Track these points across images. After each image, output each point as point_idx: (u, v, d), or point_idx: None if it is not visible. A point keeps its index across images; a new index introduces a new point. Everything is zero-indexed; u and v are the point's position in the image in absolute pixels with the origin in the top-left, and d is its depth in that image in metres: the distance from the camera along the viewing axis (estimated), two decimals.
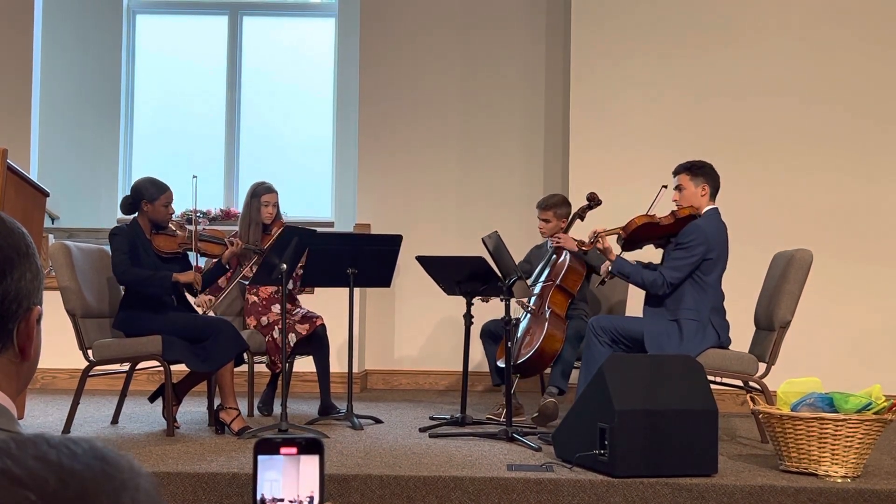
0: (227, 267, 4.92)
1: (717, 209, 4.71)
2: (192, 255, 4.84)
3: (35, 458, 0.66)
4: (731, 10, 6.33)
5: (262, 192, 5.26)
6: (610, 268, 4.74)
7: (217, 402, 4.61)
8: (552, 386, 5.02)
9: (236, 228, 5.35)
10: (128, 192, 4.81)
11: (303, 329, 5.04)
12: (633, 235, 4.72)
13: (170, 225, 4.76)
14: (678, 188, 4.73)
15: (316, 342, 5.10)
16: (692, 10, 6.35)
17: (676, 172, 4.77)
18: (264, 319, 5.16)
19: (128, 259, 4.52)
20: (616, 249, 4.86)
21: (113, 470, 0.69)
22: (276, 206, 5.30)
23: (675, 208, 4.72)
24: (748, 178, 6.14)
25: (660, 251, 4.92)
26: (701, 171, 4.71)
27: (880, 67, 6.21)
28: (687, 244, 4.59)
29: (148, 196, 4.63)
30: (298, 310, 5.24)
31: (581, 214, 5.30)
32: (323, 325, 5.12)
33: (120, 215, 7.25)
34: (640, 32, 6.37)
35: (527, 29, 7.01)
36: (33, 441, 0.68)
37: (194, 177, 5.01)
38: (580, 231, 5.36)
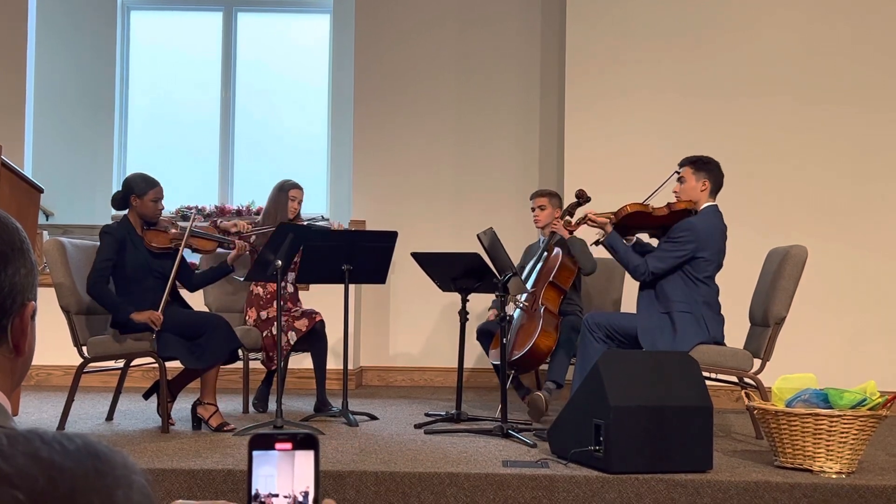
0: (233, 268, 4.92)
1: (715, 206, 4.70)
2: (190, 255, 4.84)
3: (25, 455, 0.65)
4: (725, 10, 6.33)
5: (289, 187, 5.32)
6: (601, 238, 4.75)
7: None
8: (549, 381, 5.04)
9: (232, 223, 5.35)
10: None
11: (302, 325, 5.05)
12: (624, 222, 4.73)
13: (161, 221, 4.74)
14: (680, 179, 4.75)
15: (314, 338, 5.11)
16: (685, 11, 6.35)
17: (682, 164, 4.78)
18: (264, 314, 5.17)
19: (108, 267, 4.50)
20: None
21: (105, 467, 0.68)
22: (301, 202, 5.35)
23: (673, 200, 4.73)
24: (743, 175, 6.14)
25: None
26: (705, 167, 4.72)
27: (875, 65, 6.21)
28: (677, 238, 4.61)
29: (137, 191, 4.61)
30: (298, 308, 5.25)
31: (570, 211, 5.31)
32: (322, 322, 5.13)
33: (114, 212, 7.26)
34: (634, 32, 6.37)
35: (522, 28, 7.00)
36: (26, 437, 0.67)
37: (195, 215, 4.98)
38: None
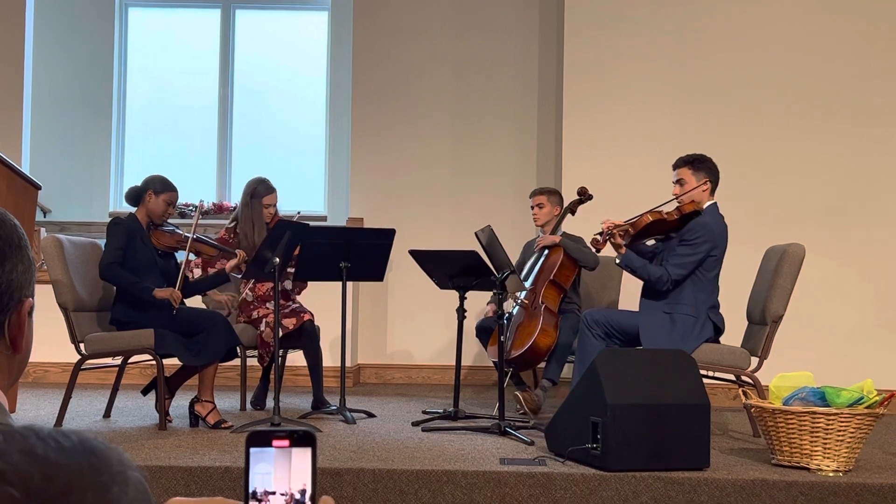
0: (229, 277, 4.92)
1: (716, 204, 4.66)
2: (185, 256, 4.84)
3: (21, 452, 0.65)
4: (721, 18, 6.34)
5: (262, 193, 5.19)
6: (618, 261, 4.69)
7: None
8: (545, 379, 5.04)
9: (227, 223, 5.34)
10: (123, 186, 4.82)
11: (290, 323, 5.03)
12: (641, 233, 4.65)
13: (166, 225, 4.77)
14: (679, 182, 4.66)
15: (304, 337, 5.09)
16: (683, 17, 6.35)
17: (677, 166, 4.68)
18: (255, 313, 5.16)
19: (120, 255, 4.52)
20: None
21: (101, 464, 0.68)
22: (275, 204, 5.27)
23: (679, 203, 4.64)
24: (740, 174, 6.14)
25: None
26: (703, 165, 4.64)
27: (870, 69, 6.22)
28: (693, 241, 4.53)
29: (155, 187, 4.68)
30: (290, 304, 5.23)
31: (572, 209, 5.31)
32: (311, 321, 5.10)
33: (112, 209, 7.26)
34: (632, 36, 6.37)
35: (520, 30, 6.99)
36: (22, 434, 0.67)
37: (201, 201, 5.06)
38: (571, 225, 5.37)
